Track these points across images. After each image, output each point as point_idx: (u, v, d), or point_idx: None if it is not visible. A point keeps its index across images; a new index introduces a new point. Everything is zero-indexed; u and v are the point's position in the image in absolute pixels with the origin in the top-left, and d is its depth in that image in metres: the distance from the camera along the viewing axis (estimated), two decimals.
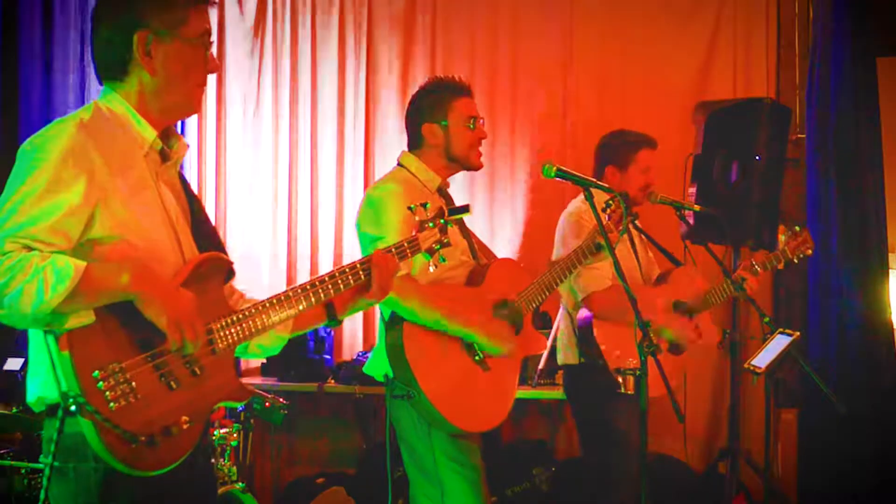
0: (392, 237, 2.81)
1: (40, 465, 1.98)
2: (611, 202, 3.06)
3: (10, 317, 1.78)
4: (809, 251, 3.93)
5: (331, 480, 4.76)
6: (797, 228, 3.94)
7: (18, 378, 4.42)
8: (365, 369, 3.09)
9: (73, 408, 1.73)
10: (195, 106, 2.10)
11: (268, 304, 2.06)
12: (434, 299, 2.88)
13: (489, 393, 2.96)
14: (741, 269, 3.84)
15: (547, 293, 3.19)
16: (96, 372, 1.78)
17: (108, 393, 1.78)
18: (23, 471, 3.96)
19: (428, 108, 3.11)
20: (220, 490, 3.91)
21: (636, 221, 3.80)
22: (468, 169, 3.17)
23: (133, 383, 1.82)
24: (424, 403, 2.81)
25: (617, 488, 3.56)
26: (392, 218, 2.93)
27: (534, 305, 3.15)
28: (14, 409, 4.04)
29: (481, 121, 3.14)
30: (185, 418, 1.88)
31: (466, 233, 3.16)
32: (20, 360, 4.53)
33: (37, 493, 3.78)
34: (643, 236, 3.88)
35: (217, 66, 2.10)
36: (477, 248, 3.18)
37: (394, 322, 2.88)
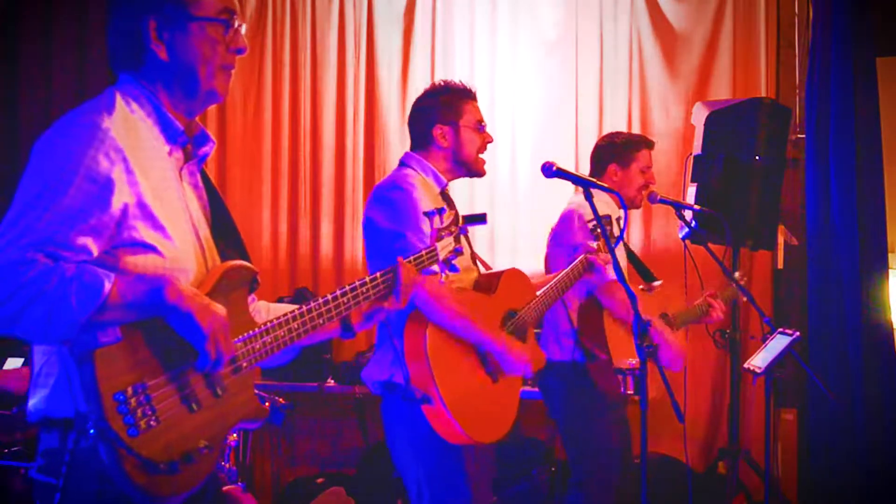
0: (416, 232, 2.77)
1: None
2: (597, 228, 3.06)
3: (33, 333, 1.64)
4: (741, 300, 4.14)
5: (331, 480, 4.76)
6: (739, 273, 4.03)
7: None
8: (363, 375, 3.00)
9: (91, 431, 1.62)
10: (220, 91, 1.92)
11: (290, 318, 1.95)
12: (465, 307, 2.82)
13: (495, 405, 2.93)
14: (707, 297, 3.87)
15: (545, 311, 3.16)
16: (119, 394, 1.65)
17: (129, 417, 1.66)
18: (23, 471, 3.96)
19: (439, 110, 3.06)
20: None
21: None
22: (472, 175, 3.13)
23: (155, 406, 1.70)
24: (439, 411, 2.75)
25: (599, 491, 3.55)
26: (412, 213, 2.85)
27: (536, 320, 3.11)
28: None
29: (486, 126, 3.12)
30: (203, 443, 1.76)
31: (467, 239, 3.14)
32: (20, 360, 4.53)
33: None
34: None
35: (245, 45, 1.93)
36: (475, 259, 3.16)
37: (418, 323, 2.78)
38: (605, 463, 3.54)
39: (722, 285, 3.99)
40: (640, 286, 3.72)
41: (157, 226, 1.78)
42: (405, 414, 2.85)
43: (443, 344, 2.78)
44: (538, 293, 3.12)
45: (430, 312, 2.76)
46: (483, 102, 5.26)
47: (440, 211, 2.38)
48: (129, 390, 1.67)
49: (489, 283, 3.02)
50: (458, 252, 2.39)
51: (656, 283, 3.79)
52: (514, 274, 3.11)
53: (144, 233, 1.76)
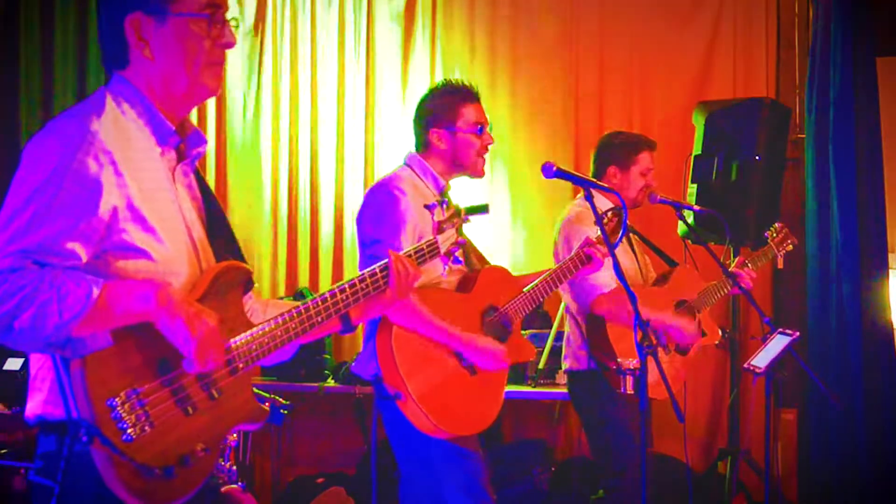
0: (392, 241, 2.78)
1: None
2: (607, 214, 3.05)
3: (21, 341, 1.62)
4: (790, 246, 4.01)
5: (331, 480, 4.76)
6: (777, 226, 3.98)
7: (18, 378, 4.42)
8: (353, 369, 3.05)
9: (84, 437, 1.61)
10: (211, 87, 1.88)
11: (287, 318, 1.93)
12: (432, 316, 2.83)
13: (474, 397, 2.93)
14: (735, 267, 3.86)
15: (538, 303, 3.14)
16: (111, 400, 1.64)
17: (123, 423, 1.64)
18: (22, 471, 3.96)
19: (436, 113, 3.07)
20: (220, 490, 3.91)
21: (633, 227, 3.82)
22: (470, 176, 3.14)
23: (149, 410, 1.68)
24: (412, 406, 2.78)
25: (630, 489, 3.55)
26: (394, 221, 2.89)
27: (523, 314, 3.10)
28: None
29: (488, 127, 3.11)
30: (200, 446, 1.74)
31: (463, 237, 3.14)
32: (20, 360, 4.53)
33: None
34: (640, 240, 3.89)
35: (232, 40, 1.88)
36: (472, 254, 3.15)
37: (385, 326, 2.82)
38: (633, 461, 3.54)
39: (751, 254, 3.97)
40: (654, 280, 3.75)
41: (147, 228, 1.75)
42: (392, 407, 2.88)
43: (412, 340, 2.81)
44: (527, 288, 3.11)
45: (396, 319, 2.78)
46: (483, 102, 5.26)
47: (441, 203, 2.38)
48: (122, 395, 1.65)
49: (467, 281, 3.03)
50: (461, 244, 2.37)
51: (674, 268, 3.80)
52: (494, 271, 3.13)
53: (135, 235, 1.74)
